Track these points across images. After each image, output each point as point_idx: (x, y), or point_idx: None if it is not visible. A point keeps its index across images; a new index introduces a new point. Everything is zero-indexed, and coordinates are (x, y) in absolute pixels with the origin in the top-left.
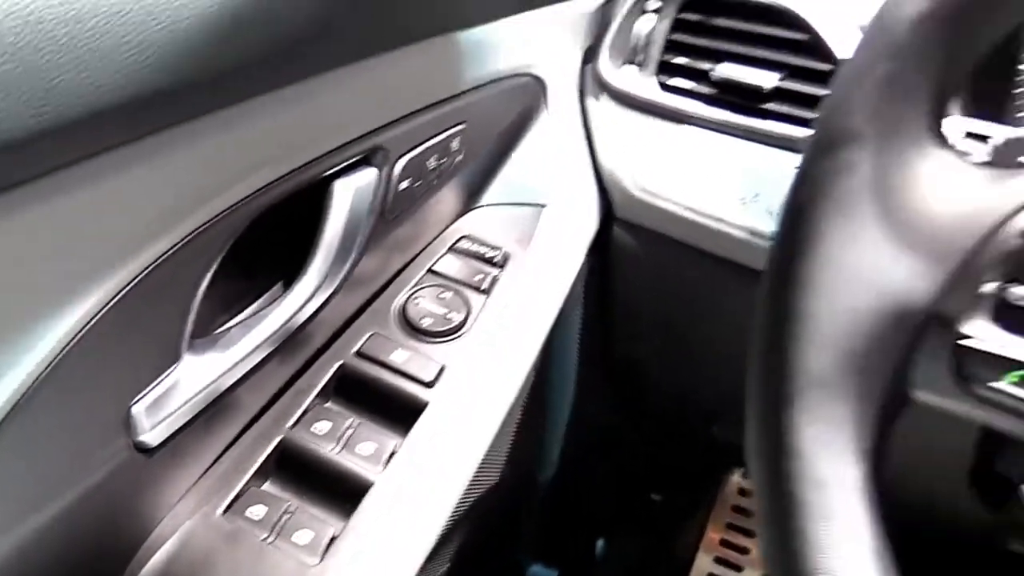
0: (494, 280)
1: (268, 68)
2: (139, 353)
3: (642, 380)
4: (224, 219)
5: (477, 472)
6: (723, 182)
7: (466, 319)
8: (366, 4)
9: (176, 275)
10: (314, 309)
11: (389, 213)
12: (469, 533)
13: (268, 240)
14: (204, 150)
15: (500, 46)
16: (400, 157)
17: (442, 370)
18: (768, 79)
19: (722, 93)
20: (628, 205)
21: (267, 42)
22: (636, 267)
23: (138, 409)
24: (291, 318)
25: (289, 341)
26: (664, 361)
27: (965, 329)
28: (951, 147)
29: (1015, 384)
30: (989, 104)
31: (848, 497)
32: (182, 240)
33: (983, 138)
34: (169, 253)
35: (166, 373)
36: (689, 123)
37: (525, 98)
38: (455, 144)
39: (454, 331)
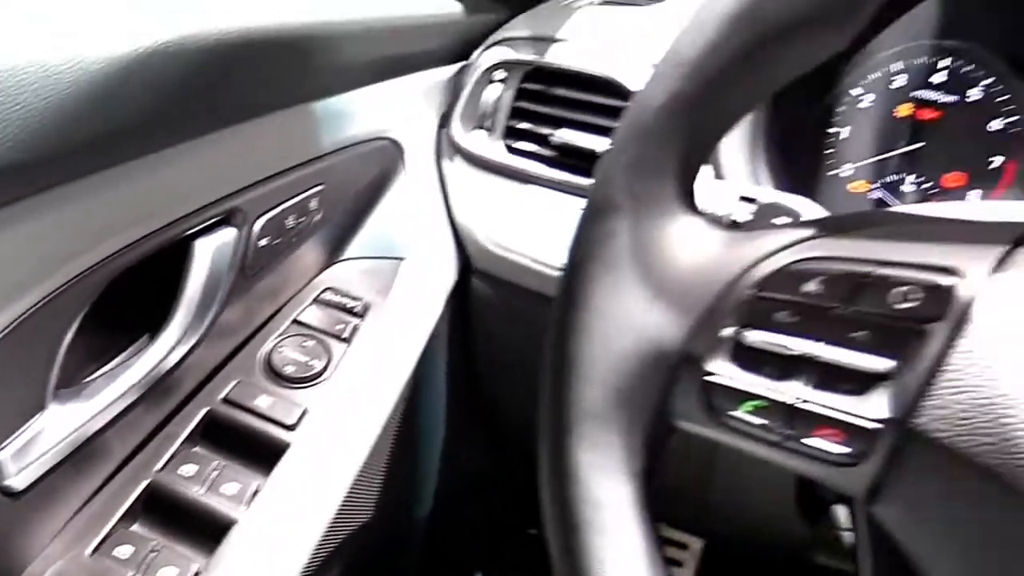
0: (355, 329)
1: (127, 140)
2: (3, 403)
3: (509, 422)
4: (86, 277)
5: (346, 510)
6: (564, 236)
7: (327, 366)
8: (226, 79)
9: (39, 330)
10: (178, 359)
11: (249, 269)
12: (346, 570)
13: (134, 294)
14: (68, 214)
15: (358, 113)
16: (259, 217)
17: (304, 413)
18: (601, 143)
19: (561, 156)
20: (483, 257)
21: (124, 118)
22: (495, 315)
23: (4, 455)
24: (155, 367)
25: (157, 389)
26: (526, 403)
27: (709, 367)
28: (699, 212)
29: (749, 413)
30: (802, 169)
31: (621, 514)
32: (44, 298)
33: (753, 200)
34: (32, 310)
35: (32, 421)
36: (533, 183)
37: (383, 160)
38: (313, 204)
39: (316, 377)
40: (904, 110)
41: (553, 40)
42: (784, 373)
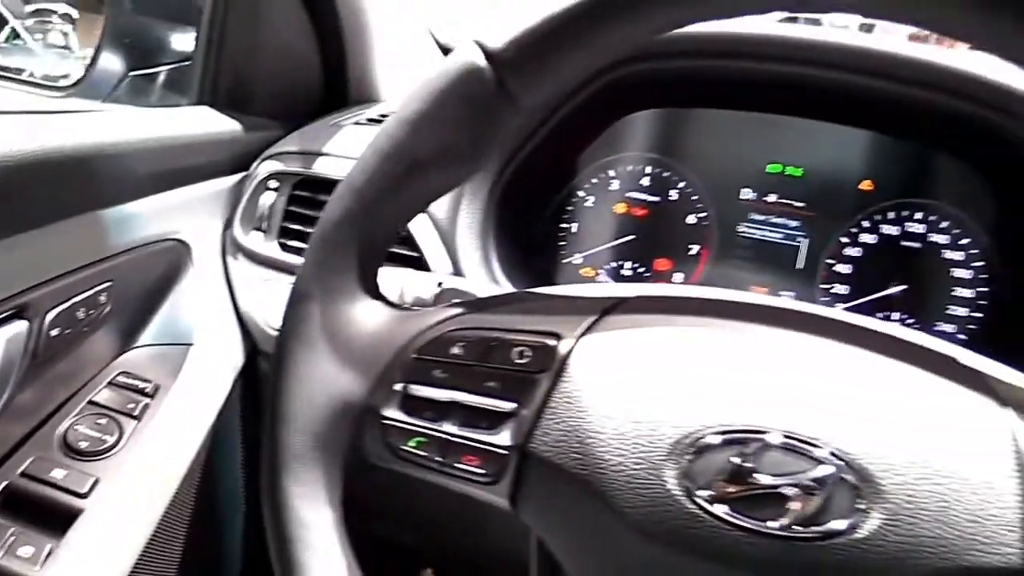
0: (145, 407)
1: None
2: None
3: None
4: None
5: (146, 568)
6: None
7: (119, 440)
8: (21, 192)
9: None
10: None
11: (41, 356)
12: None
13: None
14: None
15: (147, 217)
16: (50, 310)
17: (96, 482)
18: None
19: None
20: (266, 340)
21: None
22: None
23: None
24: None
25: None
26: None
27: (385, 414)
28: (378, 297)
29: (415, 447)
30: (543, 259)
31: (324, 533)
32: None
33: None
34: None
35: None
36: None
37: (172, 258)
38: (103, 298)
39: (108, 450)
40: (620, 208)
41: (319, 154)
42: (439, 416)
